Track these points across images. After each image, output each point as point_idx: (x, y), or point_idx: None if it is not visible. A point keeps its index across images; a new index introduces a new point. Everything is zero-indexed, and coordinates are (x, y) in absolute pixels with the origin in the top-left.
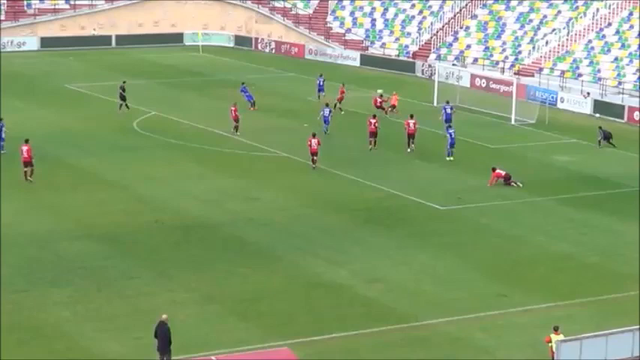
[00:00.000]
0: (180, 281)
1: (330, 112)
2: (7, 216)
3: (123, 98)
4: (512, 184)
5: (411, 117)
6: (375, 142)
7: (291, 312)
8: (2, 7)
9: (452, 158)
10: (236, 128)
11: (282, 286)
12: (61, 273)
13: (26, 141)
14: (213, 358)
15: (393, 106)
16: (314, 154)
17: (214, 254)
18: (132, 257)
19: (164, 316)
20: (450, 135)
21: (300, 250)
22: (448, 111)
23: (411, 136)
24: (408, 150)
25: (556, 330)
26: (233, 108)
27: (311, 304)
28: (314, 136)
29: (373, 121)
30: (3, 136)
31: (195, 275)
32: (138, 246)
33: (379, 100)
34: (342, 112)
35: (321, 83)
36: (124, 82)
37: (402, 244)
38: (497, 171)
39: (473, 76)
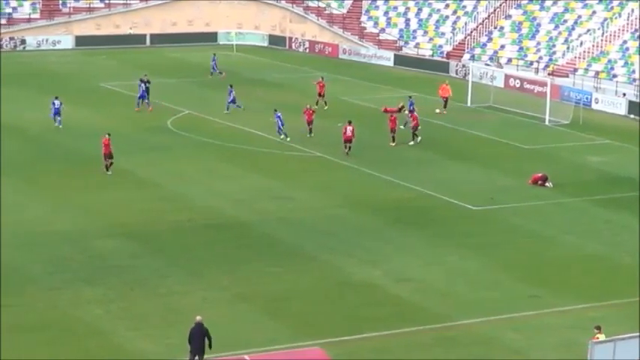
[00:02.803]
0: (212, 280)
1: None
2: (40, 214)
3: (146, 91)
4: (545, 184)
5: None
6: (393, 138)
7: (323, 311)
8: (38, 6)
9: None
10: (309, 130)
11: (313, 286)
12: (95, 271)
13: (108, 135)
14: (246, 357)
15: (445, 98)
16: (348, 141)
17: (246, 253)
18: (164, 256)
19: (199, 318)
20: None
21: (331, 249)
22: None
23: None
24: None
25: (599, 329)
26: (307, 110)
27: (342, 303)
28: (349, 123)
29: (393, 118)
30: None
31: (227, 274)
32: (170, 245)
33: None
34: (326, 107)
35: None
36: (145, 75)
37: (433, 243)
38: (535, 174)
39: (507, 77)
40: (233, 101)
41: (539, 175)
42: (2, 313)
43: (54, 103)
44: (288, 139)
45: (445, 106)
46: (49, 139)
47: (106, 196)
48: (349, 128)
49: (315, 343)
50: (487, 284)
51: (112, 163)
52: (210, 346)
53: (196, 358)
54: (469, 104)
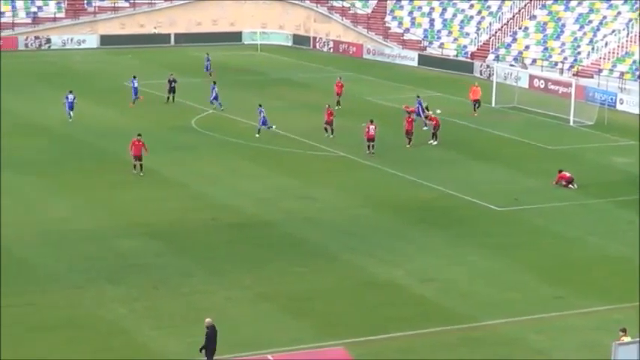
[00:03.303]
0: (236, 279)
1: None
2: (64, 212)
3: (172, 91)
4: (569, 186)
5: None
6: (409, 140)
7: (346, 311)
8: (63, 5)
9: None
10: (327, 130)
11: (336, 286)
12: (118, 270)
13: (138, 135)
14: (269, 357)
15: (476, 101)
16: (371, 139)
17: (269, 253)
18: (188, 255)
19: (210, 319)
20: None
21: (354, 249)
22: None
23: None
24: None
25: (624, 332)
26: (327, 110)
27: (366, 303)
28: (371, 122)
29: (409, 120)
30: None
31: (250, 273)
32: (194, 244)
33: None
34: (339, 107)
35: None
36: (172, 75)
37: (457, 244)
38: (563, 173)
39: (531, 77)
40: (215, 98)
41: (567, 175)
42: (27, 312)
43: (67, 97)
44: (257, 135)
45: (475, 109)
46: (74, 137)
47: (130, 194)
48: (372, 127)
49: (338, 343)
50: (511, 285)
51: (141, 165)
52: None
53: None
54: (493, 105)
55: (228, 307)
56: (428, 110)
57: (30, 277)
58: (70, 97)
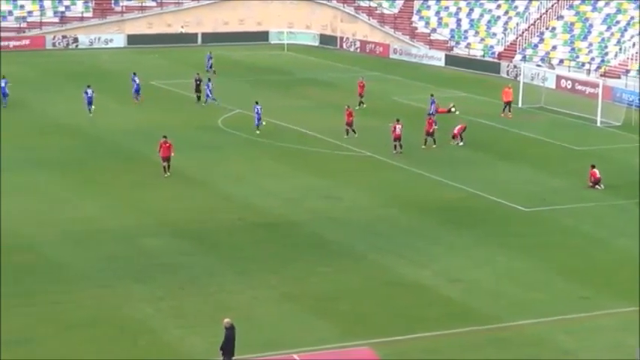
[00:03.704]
0: (262, 279)
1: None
2: (92, 212)
3: (198, 90)
4: (596, 186)
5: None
6: (426, 140)
7: (372, 311)
8: (90, 5)
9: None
10: (348, 131)
11: (362, 286)
12: (145, 269)
13: (164, 137)
14: (295, 356)
15: (508, 102)
16: (397, 139)
17: (296, 252)
18: (214, 254)
19: (229, 320)
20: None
21: (381, 249)
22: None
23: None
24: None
25: None
26: (347, 111)
27: (392, 303)
28: (398, 121)
29: (431, 121)
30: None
31: (276, 273)
32: (220, 243)
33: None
34: (364, 106)
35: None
36: (198, 74)
37: (484, 244)
38: (594, 170)
39: (558, 78)
40: (208, 95)
41: (598, 174)
42: (53, 310)
43: (86, 92)
44: (258, 132)
45: (504, 110)
46: (101, 137)
47: (156, 194)
48: (398, 126)
49: (364, 343)
50: (538, 285)
51: (168, 166)
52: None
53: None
54: (520, 105)
55: (254, 307)
56: (454, 111)
57: (57, 276)
58: (89, 91)
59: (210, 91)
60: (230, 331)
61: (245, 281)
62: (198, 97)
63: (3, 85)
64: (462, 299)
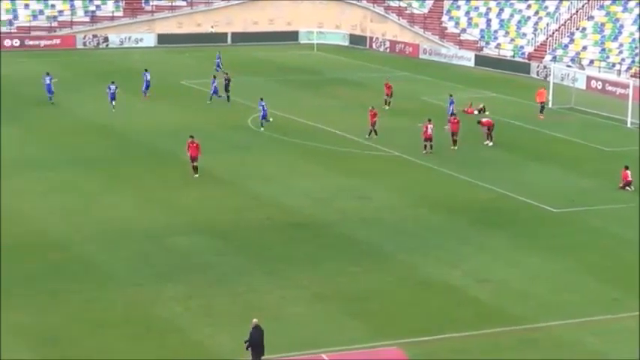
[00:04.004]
0: (291, 279)
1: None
2: (123, 211)
3: (227, 89)
4: (627, 188)
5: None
6: (455, 142)
7: (402, 311)
8: (121, 4)
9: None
10: (372, 132)
11: (392, 286)
12: (175, 268)
13: (191, 136)
14: (324, 356)
15: (542, 103)
16: (428, 139)
17: (325, 252)
18: (243, 254)
19: (255, 320)
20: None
21: (410, 249)
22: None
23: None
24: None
25: None
26: (371, 111)
27: (421, 303)
28: (429, 121)
29: (455, 121)
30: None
31: (305, 273)
32: (250, 243)
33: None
34: (387, 108)
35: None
36: (227, 74)
37: (513, 245)
38: (627, 172)
39: (589, 78)
40: (215, 92)
41: (630, 177)
42: (85, 309)
43: (109, 88)
44: (262, 129)
45: (541, 111)
46: (132, 136)
47: (186, 193)
48: (430, 127)
49: (394, 343)
50: (567, 286)
51: (196, 167)
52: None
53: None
54: (550, 106)
55: (284, 307)
56: (485, 113)
57: (89, 274)
58: (112, 87)
59: (215, 87)
60: (254, 330)
61: (274, 281)
62: (228, 97)
63: (48, 81)
64: (491, 300)
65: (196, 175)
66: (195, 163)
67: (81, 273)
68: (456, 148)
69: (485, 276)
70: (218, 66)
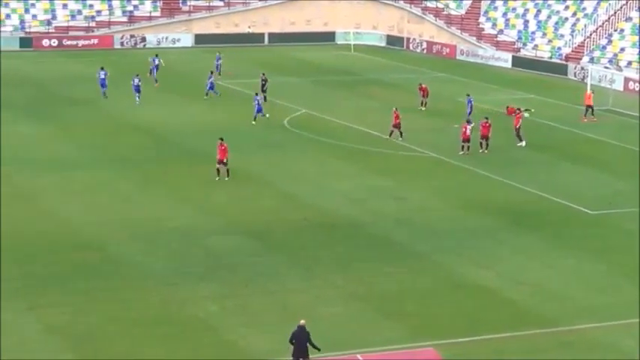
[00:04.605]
0: (326, 279)
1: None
2: (157, 211)
3: (264, 90)
4: None
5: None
6: (487, 145)
7: (437, 312)
8: (158, 4)
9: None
10: (392, 133)
11: (427, 287)
12: (209, 268)
13: (220, 139)
14: (359, 357)
15: (588, 106)
16: (466, 140)
17: (360, 253)
18: (278, 254)
19: (302, 322)
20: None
21: (445, 250)
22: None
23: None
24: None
25: None
26: (395, 113)
27: (456, 305)
28: (468, 122)
29: (487, 125)
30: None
31: (340, 273)
32: (285, 243)
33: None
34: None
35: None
36: (263, 74)
37: (549, 247)
38: None
39: (626, 80)
40: (211, 87)
41: None
42: (119, 308)
43: (133, 81)
44: (254, 122)
45: (586, 114)
46: (168, 136)
47: (222, 193)
48: (468, 128)
49: (428, 344)
50: (603, 289)
51: (227, 170)
52: (317, 348)
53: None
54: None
55: (319, 307)
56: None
57: (124, 274)
58: (136, 80)
59: (211, 83)
60: (298, 330)
61: (309, 281)
62: (265, 98)
63: (102, 76)
64: (527, 302)
65: (223, 178)
66: (220, 166)
67: (116, 272)
68: (486, 151)
69: (521, 278)
70: (218, 68)
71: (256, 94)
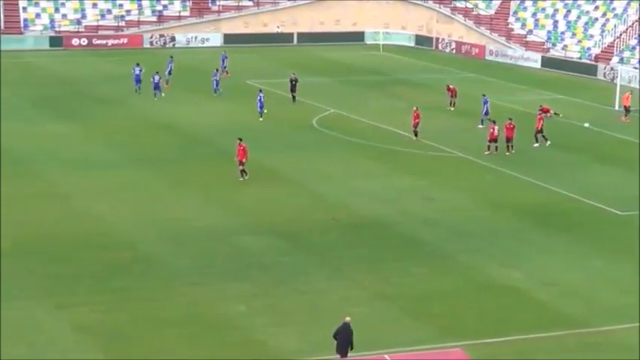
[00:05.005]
0: (354, 279)
1: (159, 78)
2: (185, 211)
3: (293, 89)
4: None
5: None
6: (512, 146)
7: (464, 313)
8: (188, 4)
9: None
10: (417, 134)
11: (455, 287)
12: (238, 267)
13: (239, 139)
14: (386, 357)
15: (627, 107)
16: (494, 140)
17: (388, 253)
18: (307, 254)
19: (348, 319)
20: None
21: (473, 251)
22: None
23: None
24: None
25: None
26: (415, 113)
27: (484, 305)
28: (494, 122)
29: (511, 127)
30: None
31: (368, 274)
32: (314, 243)
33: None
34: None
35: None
36: (293, 74)
37: (578, 248)
38: None
39: None
40: (216, 85)
41: None
42: (148, 307)
43: (154, 78)
44: (261, 119)
45: (626, 115)
46: (196, 135)
47: (250, 193)
48: (496, 128)
49: (456, 345)
50: (632, 290)
51: (243, 170)
52: (351, 347)
53: (337, 356)
54: (617, 108)
55: (346, 307)
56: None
57: (152, 273)
58: (156, 77)
59: (216, 80)
60: (341, 326)
61: (337, 281)
62: (294, 97)
63: (137, 72)
64: (555, 302)
65: (241, 179)
66: (242, 167)
67: (146, 271)
68: (511, 153)
69: (549, 278)
70: (223, 67)
71: (260, 91)
